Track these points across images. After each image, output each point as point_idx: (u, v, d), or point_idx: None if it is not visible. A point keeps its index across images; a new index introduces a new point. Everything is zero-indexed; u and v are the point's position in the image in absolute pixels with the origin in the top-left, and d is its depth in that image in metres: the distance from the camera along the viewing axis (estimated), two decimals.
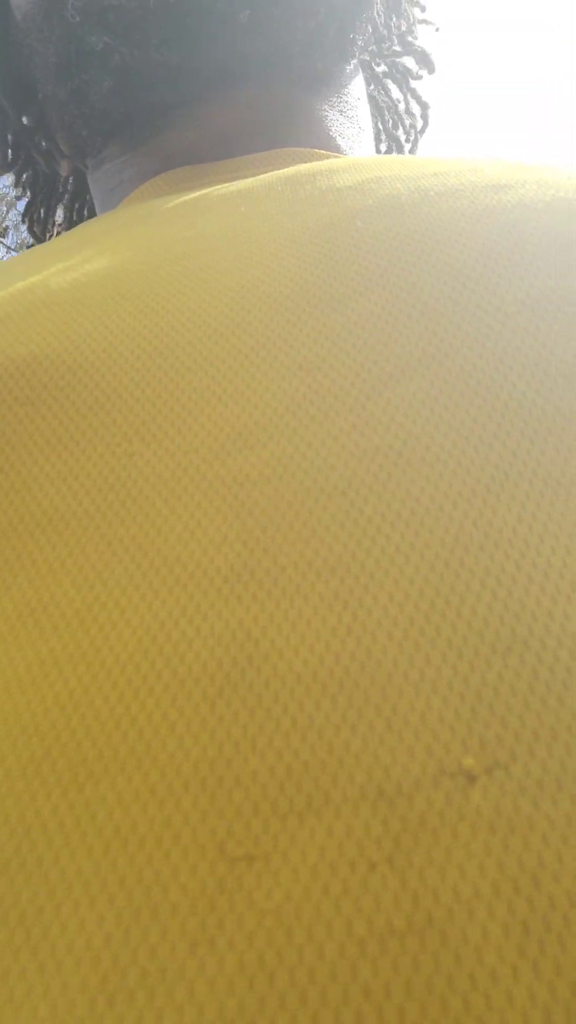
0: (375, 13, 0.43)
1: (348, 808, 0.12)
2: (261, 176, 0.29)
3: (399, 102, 0.52)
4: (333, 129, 0.38)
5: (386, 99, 0.51)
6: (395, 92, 0.52)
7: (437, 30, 0.57)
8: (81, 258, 0.24)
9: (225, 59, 0.33)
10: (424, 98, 0.53)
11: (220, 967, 0.11)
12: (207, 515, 0.16)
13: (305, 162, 0.31)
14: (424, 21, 0.51)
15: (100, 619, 0.15)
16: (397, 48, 0.47)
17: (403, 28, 0.46)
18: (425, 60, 0.47)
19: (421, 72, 0.52)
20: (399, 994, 0.10)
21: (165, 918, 0.11)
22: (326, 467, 0.16)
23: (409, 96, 0.51)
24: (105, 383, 0.18)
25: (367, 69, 0.49)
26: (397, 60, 0.49)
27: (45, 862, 0.12)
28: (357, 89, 0.41)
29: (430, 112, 0.55)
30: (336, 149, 0.37)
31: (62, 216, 0.52)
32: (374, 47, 0.48)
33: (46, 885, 0.12)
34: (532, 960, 0.10)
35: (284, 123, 0.36)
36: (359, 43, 0.39)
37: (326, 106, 0.38)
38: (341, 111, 0.40)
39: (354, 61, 0.40)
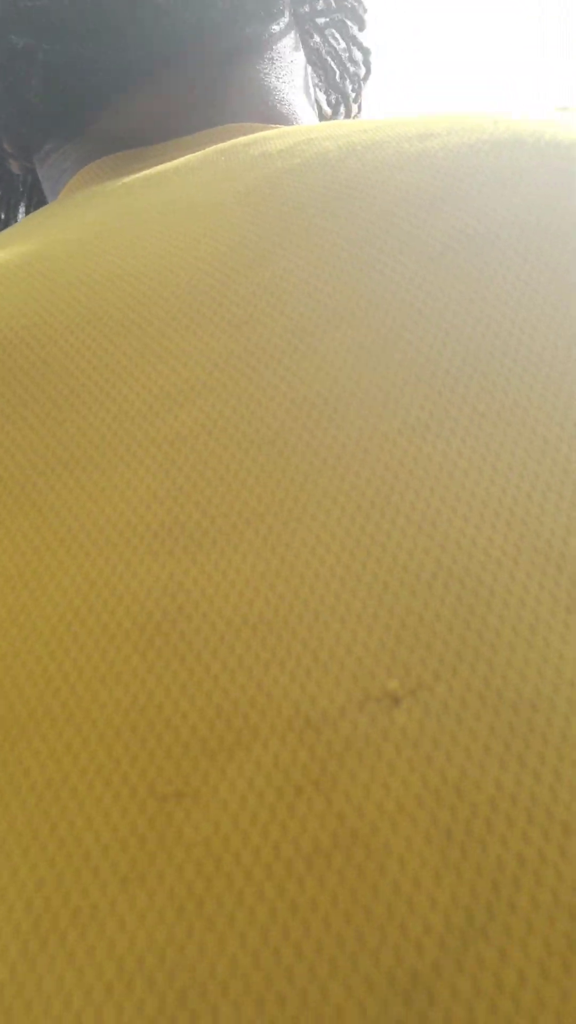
0: None
1: (276, 739, 0.12)
2: (199, 152, 0.29)
3: (344, 52, 0.52)
4: (269, 95, 0.38)
5: (331, 49, 0.51)
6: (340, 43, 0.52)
7: None
8: (16, 245, 0.24)
9: (151, 43, 0.33)
10: (365, 44, 0.53)
11: (151, 900, 0.11)
12: (137, 475, 0.16)
13: (245, 135, 0.32)
14: None
15: (31, 584, 0.15)
16: (332, 3, 0.47)
17: None
18: (355, 16, 0.47)
19: (359, 24, 0.52)
20: (325, 906, 0.10)
21: (96, 859, 0.11)
22: (255, 420, 0.16)
23: (351, 44, 0.51)
24: (33, 355, 0.18)
25: (306, 22, 0.49)
26: (333, 13, 0.49)
27: None
28: (290, 46, 0.41)
29: (372, 60, 0.55)
30: (275, 115, 0.37)
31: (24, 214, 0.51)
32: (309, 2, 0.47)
33: None
34: (454, 864, 0.10)
35: (220, 98, 0.36)
36: (286, 1, 0.39)
37: (260, 72, 0.38)
38: (276, 75, 0.39)
39: (284, 20, 0.40)
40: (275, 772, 0.11)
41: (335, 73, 0.50)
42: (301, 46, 0.45)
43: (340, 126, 0.27)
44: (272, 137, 0.27)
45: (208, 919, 0.10)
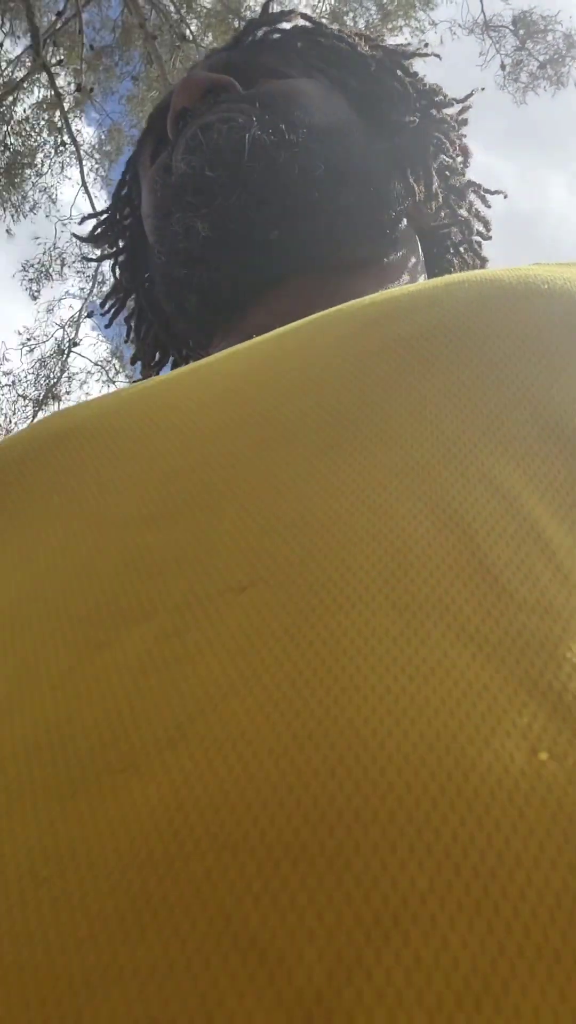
0: (417, 198, 0.52)
1: (167, 613, 0.18)
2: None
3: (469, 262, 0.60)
4: None
5: (463, 264, 0.60)
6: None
7: (505, 196, 0.66)
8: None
9: (268, 265, 0.45)
10: (483, 254, 0.61)
11: None
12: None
13: None
14: (481, 191, 0.60)
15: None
16: (446, 220, 0.56)
17: (443, 201, 0.54)
18: (467, 226, 0.56)
19: (486, 234, 0.61)
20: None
21: None
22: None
23: (476, 259, 0.60)
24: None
25: (444, 240, 0.57)
26: (452, 226, 0.57)
27: None
28: (398, 262, 0.50)
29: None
30: None
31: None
32: (437, 220, 0.56)
33: None
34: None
35: (334, 302, 0.44)
36: (396, 231, 0.49)
37: (369, 287, 0.46)
38: (383, 287, 0.47)
39: (394, 242, 0.49)
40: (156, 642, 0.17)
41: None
42: (422, 260, 0.53)
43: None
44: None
45: None
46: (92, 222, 0.62)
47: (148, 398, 0.29)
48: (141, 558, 0.20)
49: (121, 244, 0.62)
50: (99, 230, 0.62)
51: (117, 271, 0.62)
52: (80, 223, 0.64)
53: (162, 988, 0.11)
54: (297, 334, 0.29)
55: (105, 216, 0.63)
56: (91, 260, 0.63)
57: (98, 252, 0.63)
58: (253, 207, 0.43)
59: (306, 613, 0.17)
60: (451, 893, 0.11)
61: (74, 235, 0.65)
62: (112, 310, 0.63)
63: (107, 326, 0.63)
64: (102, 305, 0.63)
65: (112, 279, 0.63)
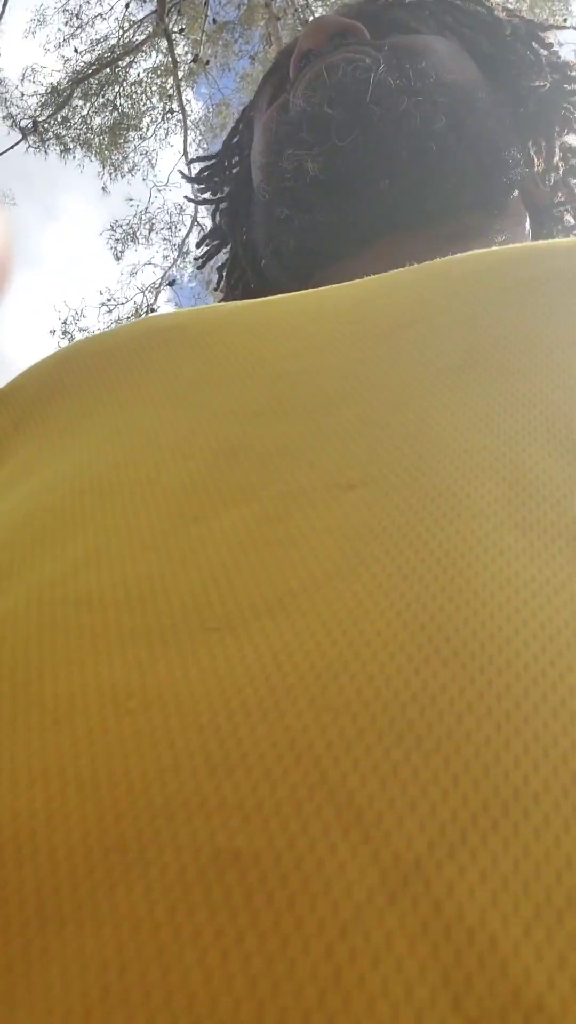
0: (535, 170, 0.51)
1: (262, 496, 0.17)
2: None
3: None
4: None
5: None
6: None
7: None
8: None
9: (373, 216, 0.43)
10: None
11: None
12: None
13: None
14: None
15: None
16: (561, 199, 0.54)
17: (561, 178, 0.52)
18: None
19: None
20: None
21: None
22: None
23: None
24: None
25: (556, 222, 0.55)
26: (570, 206, 0.55)
27: None
28: (507, 232, 0.48)
29: None
30: None
31: None
32: (552, 197, 0.53)
33: None
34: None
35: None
36: (507, 201, 0.47)
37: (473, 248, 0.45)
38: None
39: (505, 211, 0.47)
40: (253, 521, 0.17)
41: None
42: (529, 237, 0.50)
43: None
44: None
45: None
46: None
47: (253, 310, 0.28)
48: (241, 447, 0.19)
49: (226, 190, 0.61)
50: (207, 172, 0.62)
51: (217, 216, 0.62)
52: (189, 163, 0.64)
53: (248, 822, 0.10)
54: (415, 270, 0.28)
55: (214, 161, 0.62)
56: (193, 202, 0.62)
57: (200, 196, 0.63)
58: (368, 152, 0.41)
59: (421, 516, 0.16)
60: (567, 799, 0.11)
61: (181, 173, 0.65)
62: (206, 253, 0.62)
63: (199, 267, 0.62)
64: (198, 246, 0.62)
65: (196, 247, 0.63)
